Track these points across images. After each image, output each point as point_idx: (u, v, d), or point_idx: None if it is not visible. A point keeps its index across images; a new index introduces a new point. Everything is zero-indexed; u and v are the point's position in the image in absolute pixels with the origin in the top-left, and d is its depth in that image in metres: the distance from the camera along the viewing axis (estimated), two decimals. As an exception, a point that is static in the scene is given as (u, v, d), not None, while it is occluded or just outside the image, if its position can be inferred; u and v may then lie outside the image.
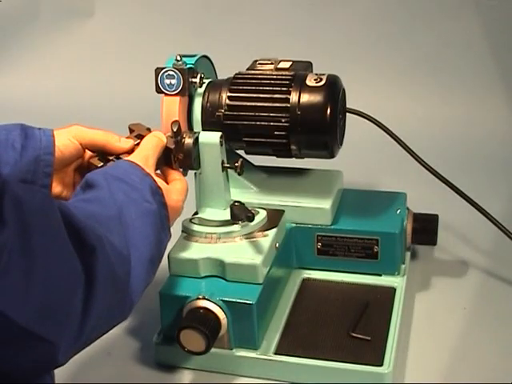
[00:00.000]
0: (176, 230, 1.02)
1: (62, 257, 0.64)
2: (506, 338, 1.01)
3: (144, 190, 0.81)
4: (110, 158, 0.91)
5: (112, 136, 0.92)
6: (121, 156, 0.92)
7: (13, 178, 0.84)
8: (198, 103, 1.04)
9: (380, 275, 1.09)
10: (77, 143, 0.90)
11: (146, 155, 0.88)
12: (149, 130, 0.95)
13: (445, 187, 1.14)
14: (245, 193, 1.08)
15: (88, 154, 0.93)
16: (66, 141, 0.90)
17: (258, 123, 1.02)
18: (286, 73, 1.04)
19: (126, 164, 0.84)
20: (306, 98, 1.00)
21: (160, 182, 0.86)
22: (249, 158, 1.10)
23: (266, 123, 1.01)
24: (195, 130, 1.04)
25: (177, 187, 0.90)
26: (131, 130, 0.95)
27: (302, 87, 1.01)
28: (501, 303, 1.09)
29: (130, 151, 0.92)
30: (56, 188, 0.90)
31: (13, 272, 0.59)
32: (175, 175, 0.93)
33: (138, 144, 0.92)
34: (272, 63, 1.07)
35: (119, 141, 0.92)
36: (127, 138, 0.94)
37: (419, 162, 1.13)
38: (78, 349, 0.69)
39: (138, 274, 0.75)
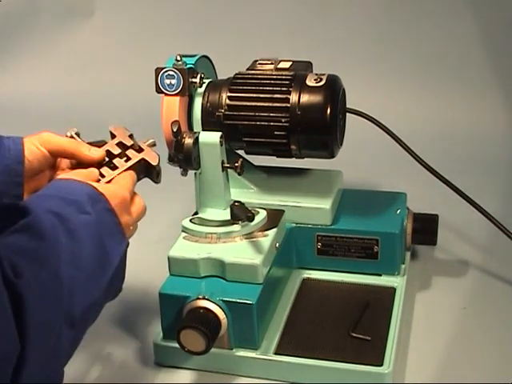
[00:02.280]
0: (176, 230, 1.02)
1: None
2: (506, 338, 1.01)
3: (81, 200, 0.77)
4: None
5: (82, 145, 0.90)
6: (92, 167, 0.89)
7: None
8: (197, 103, 1.04)
9: (380, 275, 1.09)
10: (44, 151, 0.88)
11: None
12: (131, 136, 0.92)
13: (445, 187, 1.14)
14: (245, 193, 1.08)
15: (64, 163, 0.92)
16: (33, 149, 0.88)
17: (258, 123, 1.02)
18: (286, 73, 1.04)
19: (61, 181, 0.82)
20: (305, 98, 1.00)
21: (103, 186, 0.82)
22: (249, 158, 1.10)
23: (266, 123, 1.01)
24: (195, 130, 1.04)
25: (116, 182, 0.87)
26: (112, 135, 0.93)
27: (302, 87, 1.01)
28: (501, 303, 1.09)
29: (101, 162, 0.89)
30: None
31: None
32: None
33: (125, 159, 0.90)
34: (272, 63, 1.08)
35: (89, 150, 0.90)
36: (108, 142, 0.91)
37: (419, 162, 1.13)
38: None
39: (78, 297, 0.72)
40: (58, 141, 0.89)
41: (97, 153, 0.90)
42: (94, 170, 0.88)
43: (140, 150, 0.92)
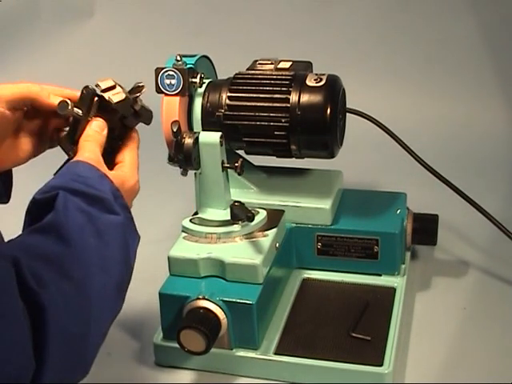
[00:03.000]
0: (176, 230, 1.02)
1: (10, 343, 0.59)
2: (506, 338, 1.01)
3: (107, 198, 0.72)
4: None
5: (42, 88, 0.81)
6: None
7: None
8: (198, 103, 1.04)
9: (380, 275, 1.09)
10: (3, 111, 0.79)
11: (92, 151, 0.77)
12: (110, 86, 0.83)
13: (445, 187, 1.14)
14: (245, 193, 1.08)
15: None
16: None
17: (258, 123, 1.02)
18: (286, 73, 1.04)
19: (82, 166, 0.75)
20: (306, 97, 1.00)
21: (113, 175, 0.76)
22: (249, 158, 1.10)
23: (266, 123, 1.01)
24: (195, 130, 1.04)
25: (126, 167, 0.80)
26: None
27: (302, 87, 1.01)
28: (501, 303, 1.09)
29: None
30: (7, 154, 0.82)
31: None
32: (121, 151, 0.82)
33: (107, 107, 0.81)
34: (272, 63, 1.08)
35: (48, 96, 0.81)
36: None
37: (419, 162, 1.13)
38: None
39: (103, 309, 0.68)
40: (10, 91, 0.79)
41: (56, 100, 0.80)
42: (100, 124, 0.81)
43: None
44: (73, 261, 0.67)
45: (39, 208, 0.70)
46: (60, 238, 0.67)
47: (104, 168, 0.77)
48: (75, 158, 0.77)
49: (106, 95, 0.83)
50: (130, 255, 0.75)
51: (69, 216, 0.68)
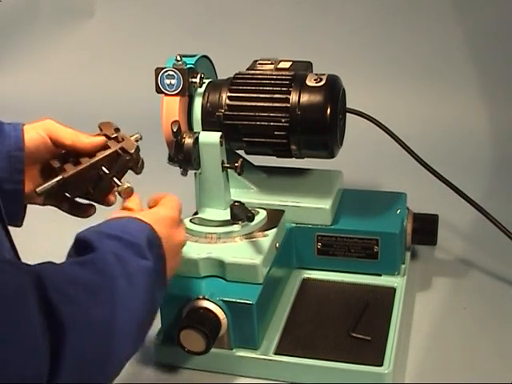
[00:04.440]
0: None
1: (23, 354, 0.59)
2: (506, 338, 1.01)
3: (140, 244, 0.74)
4: (70, 159, 0.86)
5: (81, 134, 0.87)
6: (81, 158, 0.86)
7: None
8: (197, 103, 1.04)
9: (380, 275, 1.09)
10: (46, 138, 0.86)
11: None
12: (117, 130, 0.89)
13: (445, 187, 1.14)
14: (245, 193, 1.08)
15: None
16: (33, 135, 0.85)
17: (258, 123, 1.02)
18: (286, 73, 1.04)
19: (122, 219, 0.79)
20: (305, 97, 1.00)
21: (160, 226, 0.79)
22: (249, 158, 1.10)
23: (266, 123, 1.01)
24: (195, 130, 1.04)
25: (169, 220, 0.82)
26: (100, 130, 0.90)
27: (302, 87, 1.01)
28: (501, 303, 1.09)
29: (99, 149, 0.87)
30: (28, 186, 0.86)
31: None
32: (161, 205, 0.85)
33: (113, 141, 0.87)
34: (272, 63, 1.08)
35: (88, 137, 0.87)
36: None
37: (419, 162, 1.13)
38: None
39: (122, 345, 0.69)
40: (57, 130, 0.86)
41: (95, 139, 0.87)
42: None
43: (121, 140, 0.88)
44: (107, 291, 0.69)
45: (79, 247, 0.73)
46: (98, 271, 0.69)
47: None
48: (117, 215, 0.81)
49: (137, 170, 0.89)
50: (155, 301, 0.76)
51: (107, 258, 0.71)
